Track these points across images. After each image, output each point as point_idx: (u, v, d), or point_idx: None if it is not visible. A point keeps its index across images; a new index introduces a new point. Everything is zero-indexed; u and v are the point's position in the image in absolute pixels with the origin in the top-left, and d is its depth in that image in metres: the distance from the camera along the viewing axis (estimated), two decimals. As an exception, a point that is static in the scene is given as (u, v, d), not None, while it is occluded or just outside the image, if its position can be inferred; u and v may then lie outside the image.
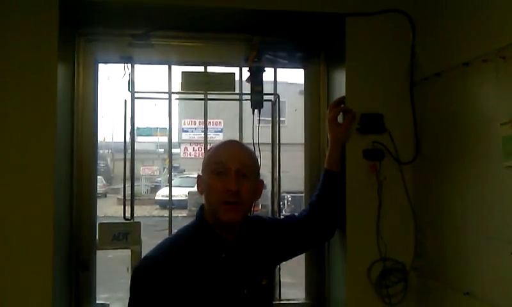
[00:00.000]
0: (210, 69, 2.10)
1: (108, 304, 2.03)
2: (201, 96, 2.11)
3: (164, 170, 23.96)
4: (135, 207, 2.08)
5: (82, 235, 1.98)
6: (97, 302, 2.02)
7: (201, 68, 2.09)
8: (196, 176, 1.55)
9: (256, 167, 1.51)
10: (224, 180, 1.40)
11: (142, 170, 23.20)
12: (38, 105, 1.67)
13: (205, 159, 1.50)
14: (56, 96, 1.68)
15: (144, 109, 16.99)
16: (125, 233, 1.95)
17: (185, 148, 22.62)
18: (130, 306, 1.38)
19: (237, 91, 2.12)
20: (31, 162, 1.66)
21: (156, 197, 18.78)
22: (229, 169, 1.40)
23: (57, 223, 1.69)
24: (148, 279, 1.36)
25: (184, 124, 22.25)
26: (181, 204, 14.33)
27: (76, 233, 1.96)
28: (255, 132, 2.05)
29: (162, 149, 25.36)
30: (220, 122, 19.58)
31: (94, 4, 1.80)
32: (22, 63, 1.66)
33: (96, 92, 2.04)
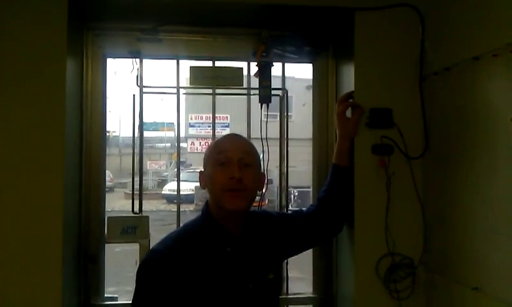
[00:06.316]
0: (219, 64, 2.10)
1: (116, 297, 2.04)
2: (209, 91, 2.11)
3: (170, 165, 24.03)
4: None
5: (91, 229, 1.99)
6: (105, 295, 2.04)
7: (209, 63, 2.09)
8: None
9: (257, 158, 1.52)
10: (227, 170, 1.42)
11: (149, 165, 23.28)
12: (47, 99, 1.67)
13: (207, 153, 1.52)
14: (65, 90, 1.69)
15: (150, 103, 17.00)
16: (133, 227, 1.96)
17: (192, 143, 22.63)
18: (135, 298, 1.39)
19: (245, 85, 2.12)
20: (40, 156, 1.66)
21: (163, 192, 18.87)
22: (231, 158, 1.43)
23: (66, 217, 1.70)
24: (153, 273, 1.38)
25: (191, 119, 22.26)
26: (188, 199, 14.41)
27: (85, 227, 1.98)
28: (263, 127, 2.05)
29: (169, 144, 25.45)
30: (227, 117, 19.57)
31: (103, -2, 1.80)
32: (31, 57, 1.67)
33: (105, 86, 2.04)
